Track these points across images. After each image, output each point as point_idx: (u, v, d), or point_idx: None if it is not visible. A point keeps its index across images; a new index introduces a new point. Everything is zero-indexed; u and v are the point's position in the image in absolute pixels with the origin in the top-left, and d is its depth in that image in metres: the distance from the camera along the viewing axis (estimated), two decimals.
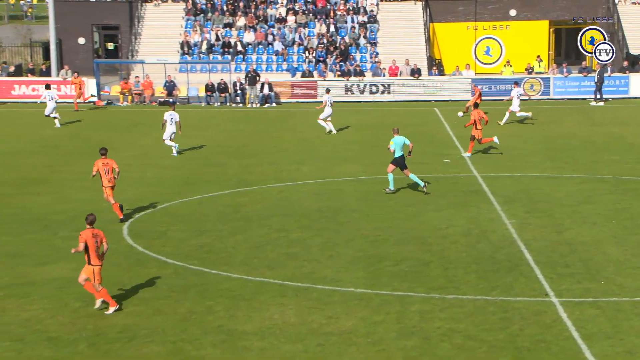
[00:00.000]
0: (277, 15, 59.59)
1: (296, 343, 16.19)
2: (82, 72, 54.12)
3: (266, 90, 51.10)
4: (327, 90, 41.71)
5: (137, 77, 53.33)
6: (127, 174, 30.51)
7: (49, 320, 17.24)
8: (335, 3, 60.50)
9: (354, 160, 34.18)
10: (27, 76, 54.07)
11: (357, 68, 53.63)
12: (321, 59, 55.50)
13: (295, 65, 56.05)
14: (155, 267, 20.70)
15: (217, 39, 57.52)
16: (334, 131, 40.26)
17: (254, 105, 51.21)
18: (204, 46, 56.97)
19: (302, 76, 53.79)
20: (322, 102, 41.04)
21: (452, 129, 41.23)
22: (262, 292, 19.00)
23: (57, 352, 15.73)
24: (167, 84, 52.17)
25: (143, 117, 46.62)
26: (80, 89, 49.57)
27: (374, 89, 52.23)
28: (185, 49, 56.80)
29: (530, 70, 54.35)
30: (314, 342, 16.18)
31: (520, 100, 42.47)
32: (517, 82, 45.72)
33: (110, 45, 60.93)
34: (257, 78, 51.55)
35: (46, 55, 57.34)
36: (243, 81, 51.87)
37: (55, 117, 42.71)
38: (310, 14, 59.78)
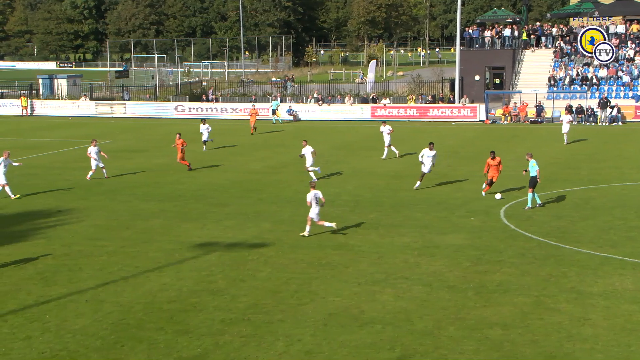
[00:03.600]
0: (627, 56, 55.24)
1: (633, 304, 15.08)
2: (476, 100, 54.41)
3: (614, 112, 47.68)
4: (384, 122, 35.53)
5: (515, 102, 52.51)
6: (505, 172, 29.91)
7: (448, 274, 17.59)
8: None
9: None
10: (438, 102, 55.20)
11: None
12: None
13: (639, 94, 51.46)
14: (523, 241, 20.27)
15: (577, 74, 54.70)
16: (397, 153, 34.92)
17: (604, 124, 48.12)
18: (567, 80, 54.47)
19: None
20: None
21: None
22: (606, 264, 17.88)
23: (453, 296, 16.04)
24: (537, 108, 50.77)
25: (518, 131, 45.73)
26: (254, 118, 46.00)
27: None
28: (552, 82, 54.75)
29: None
30: None
31: None
32: None
33: (497, 80, 60.60)
34: (608, 103, 48.28)
35: (452, 88, 58.29)
36: (595, 106, 48.80)
37: (210, 141, 38.79)
38: None
